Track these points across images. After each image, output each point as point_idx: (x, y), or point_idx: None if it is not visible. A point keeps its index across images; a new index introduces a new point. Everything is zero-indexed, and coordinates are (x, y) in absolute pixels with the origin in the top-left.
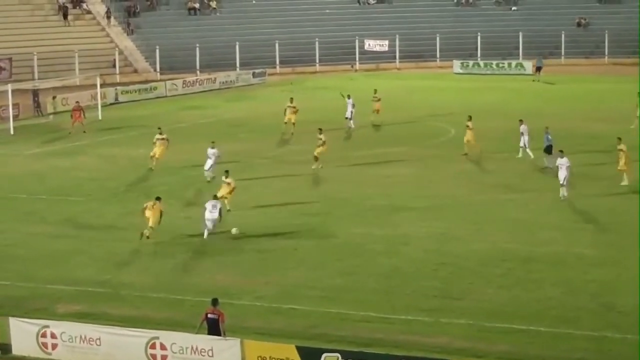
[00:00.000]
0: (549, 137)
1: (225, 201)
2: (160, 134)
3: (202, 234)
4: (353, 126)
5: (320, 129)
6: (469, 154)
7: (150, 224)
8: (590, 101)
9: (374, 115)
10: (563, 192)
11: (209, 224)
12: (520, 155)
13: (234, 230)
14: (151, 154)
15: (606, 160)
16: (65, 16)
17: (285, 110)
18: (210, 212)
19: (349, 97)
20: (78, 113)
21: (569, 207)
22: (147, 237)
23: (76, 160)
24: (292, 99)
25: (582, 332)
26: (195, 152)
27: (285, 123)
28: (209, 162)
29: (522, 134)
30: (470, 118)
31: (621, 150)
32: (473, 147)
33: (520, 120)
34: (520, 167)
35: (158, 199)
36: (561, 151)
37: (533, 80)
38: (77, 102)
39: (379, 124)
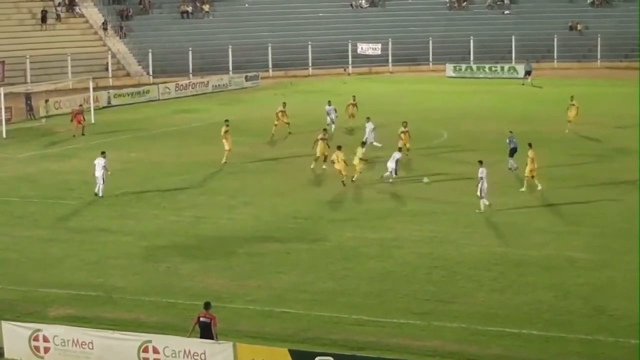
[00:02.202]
0: (514, 140)
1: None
2: (227, 126)
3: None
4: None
5: (325, 130)
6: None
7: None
8: (583, 105)
9: (350, 119)
10: (483, 203)
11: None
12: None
13: (425, 179)
14: (226, 148)
15: (599, 163)
16: (58, 19)
17: (278, 114)
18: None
19: (329, 103)
20: (80, 116)
21: (559, 210)
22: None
23: (69, 163)
24: (284, 103)
25: (574, 336)
26: (188, 156)
27: (275, 125)
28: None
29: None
30: (405, 124)
31: (530, 157)
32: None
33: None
34: (511, 171)
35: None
36: (480, 162)
37: (522, 84)
38: (80, 105)
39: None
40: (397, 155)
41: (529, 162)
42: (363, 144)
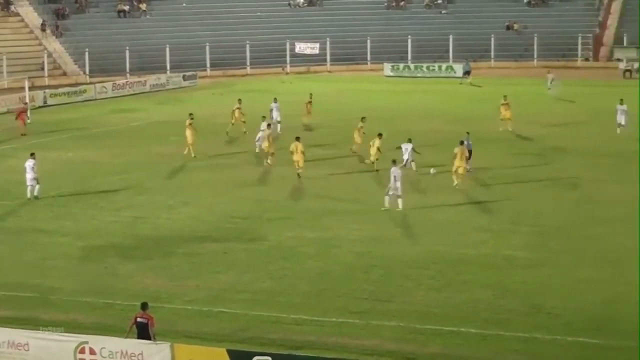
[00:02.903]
0: (469, 142)
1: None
2: (191, 119)
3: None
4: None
5: (269, 124)
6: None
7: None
8: (520, 104)
9: (307, 117)
10: (400, 203)
11: None
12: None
13: (432, 170)
14: (189, 141)
15: (536, 162)
16: None
17: (234, 111)
18: None
19: (275, 100)
20: (24, 115)
21: (498, 209)
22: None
23: (5, 163)
24: (240, 100)
25: (512, 334)
26: (125, 155)
27: (233, 124)
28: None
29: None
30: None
31: (456, 152)
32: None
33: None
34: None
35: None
36: (394, 161)
37: (460, 83)
38: (25, 103)
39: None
40: (408, 146)
41: (457, 158)
42: (380, 135)
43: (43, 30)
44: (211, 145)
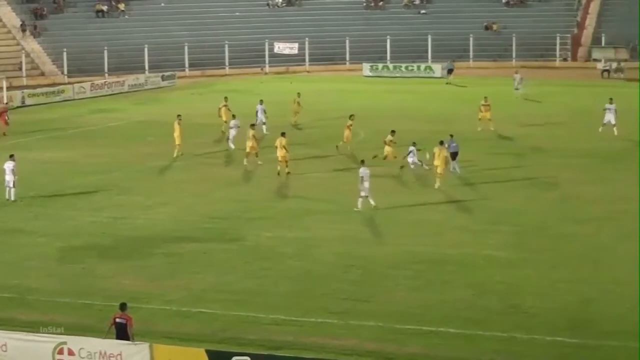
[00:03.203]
0: (453, 144)
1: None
2: (179, 119)
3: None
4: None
5: (253, 125)
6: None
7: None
8: (499, 104)
9: (296, 116)
10: (365, 202)
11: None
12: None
13: (426, 167)
14: (177, 142)
15: (515, 162)
16: None
17: (220, 109)
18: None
19: (261, 102)
20: (5, 115)
21: (477, 209)
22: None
23: None
24: (226, 97)
25: (491, 333)
26: (104, 156)
27: (225, 122)
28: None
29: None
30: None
31: (435, 152)
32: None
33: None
34: (429, 170)
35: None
36: (362, 161)
37: (447, 83)
38: (6, 103)
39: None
40: (411, 148)
41: (436, 157)
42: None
43: (23, 30)
44: (190, 145)
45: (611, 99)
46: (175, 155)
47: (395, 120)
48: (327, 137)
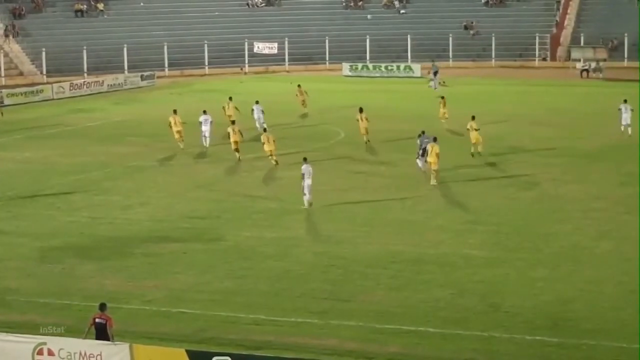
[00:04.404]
0: (425, 140)
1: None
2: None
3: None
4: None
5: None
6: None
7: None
8: (479, 103)
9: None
10: (308, 199)
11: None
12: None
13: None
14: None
15: (494, 162)
16: None
17: (224, 108)
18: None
19: (257, 102)
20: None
21: (456, 208)
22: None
23: None
24: (230, 97)
25: (470, 333)
26: (83, 156)
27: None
28: None
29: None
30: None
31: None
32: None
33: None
34: (409, 170)
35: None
36: (305, 159)
37: (442, 83)
38: None
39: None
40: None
41: (430, 154)
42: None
43: (7, 36)
44: (169, 145)
45: (625, 99)
46: (182, 147)
47: (375, 119)
48: (306, 136)
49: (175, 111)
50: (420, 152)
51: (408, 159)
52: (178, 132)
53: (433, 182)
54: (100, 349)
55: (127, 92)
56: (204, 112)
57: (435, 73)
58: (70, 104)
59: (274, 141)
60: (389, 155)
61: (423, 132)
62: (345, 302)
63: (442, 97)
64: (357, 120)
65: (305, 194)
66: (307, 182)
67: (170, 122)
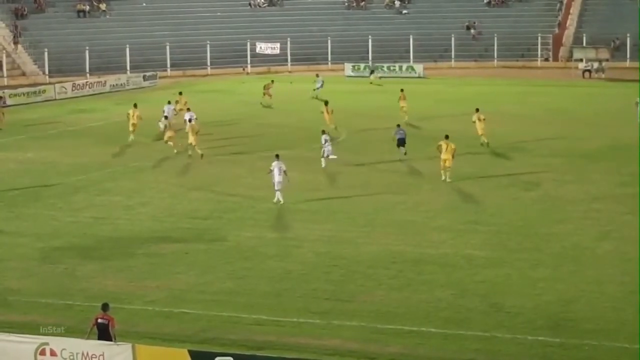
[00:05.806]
0: (401, 131)
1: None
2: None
3: None
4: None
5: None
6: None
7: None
8: (481, 103)
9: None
10: (278, 196)
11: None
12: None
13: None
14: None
15: (495, 162)
16: None
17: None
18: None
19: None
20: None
21: (457, 208)
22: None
23: None
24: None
25: (472, 333)
26: (84, 156)
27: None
28: None
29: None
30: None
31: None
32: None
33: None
34: (410, 170)
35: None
36: (277, 155)
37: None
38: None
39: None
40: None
41: (443, 151)
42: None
43: (16, 43)
44: (171, 145)
45: None
46: (176, 152)
47: (377, 120)
48: (307, 137)
49: (135, 105)
50: (396, 143)
51: (409, 159)
52: (133, 124)
53: (447, 179)
54: (103, 349)
55: (129, 93)
56: (169, 102)
57: (372, 72)
58: (72, 105)
59: (197, 133)
60: (389, 156)
61: (398, 125)
62: (347, 302)
63: (402, 90)
64: (322, 113)
65: (277, 189)
66: (277, 178)
67: (128, 114)
